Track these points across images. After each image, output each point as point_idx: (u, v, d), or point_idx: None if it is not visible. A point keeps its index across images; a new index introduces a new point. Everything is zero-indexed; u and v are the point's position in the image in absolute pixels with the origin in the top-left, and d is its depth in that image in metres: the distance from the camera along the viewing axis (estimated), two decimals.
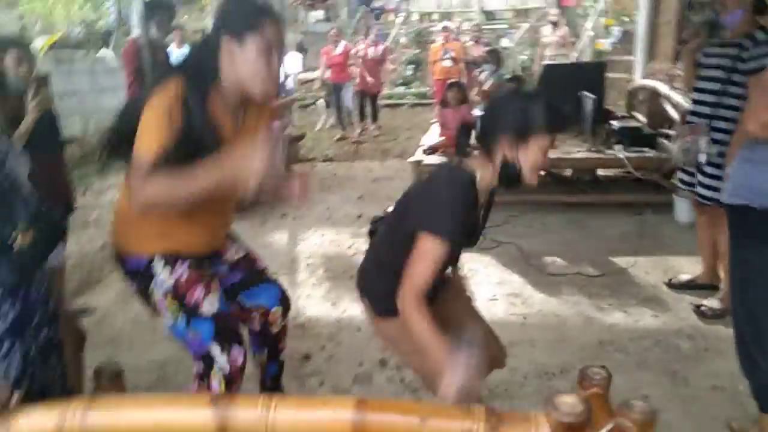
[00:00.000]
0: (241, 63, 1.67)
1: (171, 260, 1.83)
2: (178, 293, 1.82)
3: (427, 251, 1.62)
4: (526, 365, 2.75)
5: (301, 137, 7.57)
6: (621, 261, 3.87)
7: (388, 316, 1.81)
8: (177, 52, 8.36)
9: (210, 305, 1.83)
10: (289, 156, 7.05)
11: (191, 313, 1.81)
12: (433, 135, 5.84)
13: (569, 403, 1.09)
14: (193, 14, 13.87)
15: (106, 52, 9.27)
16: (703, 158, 2.86)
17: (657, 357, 2.75)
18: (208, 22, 13.08)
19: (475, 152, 1.83)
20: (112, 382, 1.73)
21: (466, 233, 1.75)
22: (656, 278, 3.58)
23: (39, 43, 8.24)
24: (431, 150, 5.31)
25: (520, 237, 4.37)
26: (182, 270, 1.83)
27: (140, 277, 1.86)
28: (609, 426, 1.21)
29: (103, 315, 3.57)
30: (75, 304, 3.58)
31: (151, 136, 1.60)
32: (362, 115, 9.36)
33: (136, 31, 4.51)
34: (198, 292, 1.82)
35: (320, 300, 3.63)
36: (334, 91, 9.12)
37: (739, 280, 2.04)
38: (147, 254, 1.84)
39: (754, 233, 1.93)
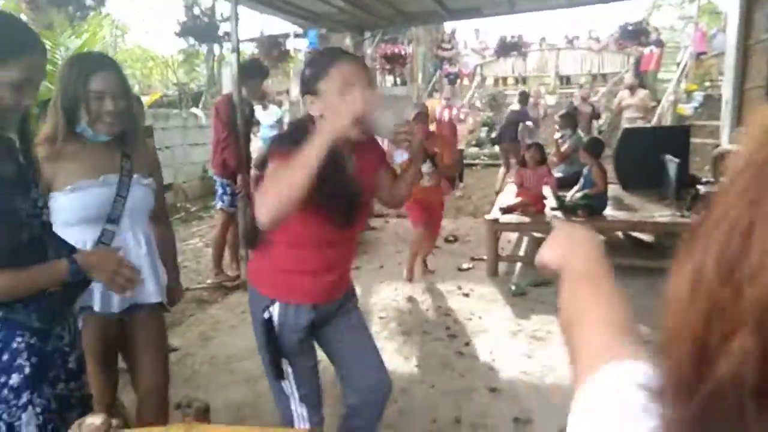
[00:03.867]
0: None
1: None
2: None
3: None
4: None
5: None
6: None
7: None
8: (262, 114, 8.84)
9: None
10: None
11: None
12: (509, 195, 5.83)
13: None
14: (277, 78, 14.68)
15: (196, 111, 9.94)
16: None
17: None
18: (291, 86, 13.80)
19: None
20: (201, 415, 1.78)
21: None
22: None
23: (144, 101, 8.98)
24: (508, 209, 5.30)
25: None
26: None
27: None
28: None
29: (183, 354, 3.69)
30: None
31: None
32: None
33: (225, 92, 4.86)
34: None
35: (393, 354, 3.61)
36: None
37: None
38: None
39: None
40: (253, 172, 5.58)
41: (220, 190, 4.89)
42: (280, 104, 13.20)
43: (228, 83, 4.87)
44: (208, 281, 5.07)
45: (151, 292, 1.99)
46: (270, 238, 1.79)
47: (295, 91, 13.79)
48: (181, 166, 9.06)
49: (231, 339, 3.94)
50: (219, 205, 4.95)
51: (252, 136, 8.17)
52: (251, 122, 5.18)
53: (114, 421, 1.29)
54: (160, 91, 12.37)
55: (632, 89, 9.57)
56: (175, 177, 8.89)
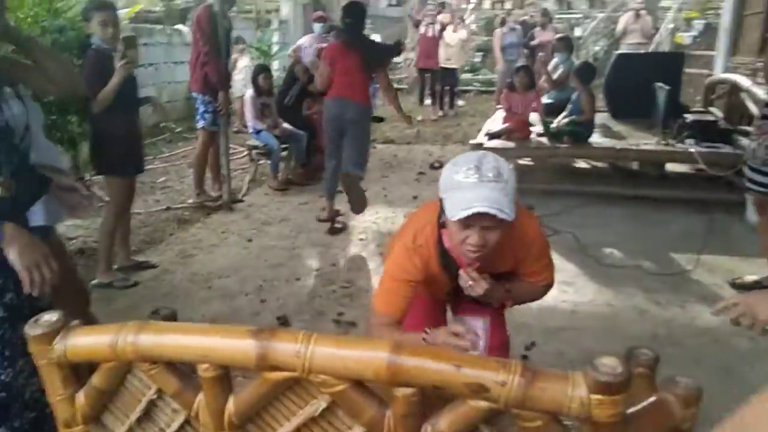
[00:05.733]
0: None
1: None
2: None
3: None
4: (573, 351, 2.70)
5: (379, 119, 7.37)
6: (683, 258, 3.71)
7: None
8: (239, 66, 8.16)
9: None
10: None
11: None
12: (497, 120, 5.75)
13: (609, 364, 1.07)
14: None
15: (181, 27, 9.58)
16: None
17: (713, 355, 2.64)
18: (279, 4, 13.27)
19: None
20: (168, 320, 1.80)
21: None
22: (720, 278, 3.41)
23: (123, 14, 8.61)
24: (494, 135, 5.24)
25: (578, 227, 4.26)
26: None
27: None
28: (652, 399, 1.17)
29: (162, 271, 3.72)
30: (135, 259, 3.77)
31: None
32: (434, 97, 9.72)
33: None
34: None
35: (373, 273, 3.66)
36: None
37: None
38: None
39: None
40: (250, 93, 5.46)
41: (201, 108, 4.79)
42: (268, 23, 12.79)
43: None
44: (190, 201, 5.06)
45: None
46: None
47: (286, 8, 13.29)
48: (165, 85, 8.83)
49: (211, 257, 3.97)
50: (200, 123, 4.85)
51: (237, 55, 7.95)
52: (230, 36, 4.98)
53: (75, 322, 1.30)
54: (145, 4, 11.87)
55: (638, 14, 9.23)
56: (159, 96, 8.68)
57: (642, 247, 3.89)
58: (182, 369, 1.26)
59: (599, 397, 1.03)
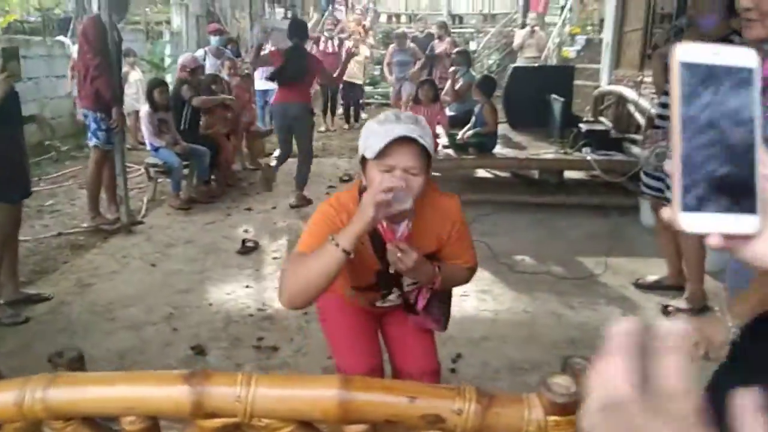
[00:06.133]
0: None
1: None
2: None
3: None
4: (497, 360, 2.73)
5: (268, 133, 7.38)
6: (588, 261, 3.89)
7: None
8: (130, 80, 7.80)
9: None
10: (255, 151, 6.94)
11: None
12: None
13: (563, 384, 1.06)
14: (156, 7, 13.52)
15: (64, 39, 8.93)
16: None
17: None
18: (170, 15, 12.77)
19: None
20: (74, 365, 1.62)
21: None
22: (624, 279, 3.61)
23: None
24: None
25: (489, 236, 4.36)
26: None
27: None
28: None
29: (58, 303, 3.40)
30: (25, 292, 3.43)
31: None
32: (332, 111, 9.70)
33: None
34: None
35: None
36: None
37: None
38: None
39: None
40: (145, 109, 5.16)
41: (93, 126, 4.45)
42: (160, 35, 12.25)
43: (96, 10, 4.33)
44: (84, 225, 4.68)
45: None
46: None
47: (178, 19, 12.78)
48: (47, 101, 8.18)
49: (112, 285, 3.68)
50: (93, 141, 4.51)
51: (129, 68, 7.53)
52: (121, 48, 4.68)
53: None
54: (19, 15, 10.98)
55: (534, 29, 9.79)
56: (41, 112, 8.03)
57: (551, 252, 4.04)
58: (103, 423, 1.13)
59: (556, 418, 1.02)
